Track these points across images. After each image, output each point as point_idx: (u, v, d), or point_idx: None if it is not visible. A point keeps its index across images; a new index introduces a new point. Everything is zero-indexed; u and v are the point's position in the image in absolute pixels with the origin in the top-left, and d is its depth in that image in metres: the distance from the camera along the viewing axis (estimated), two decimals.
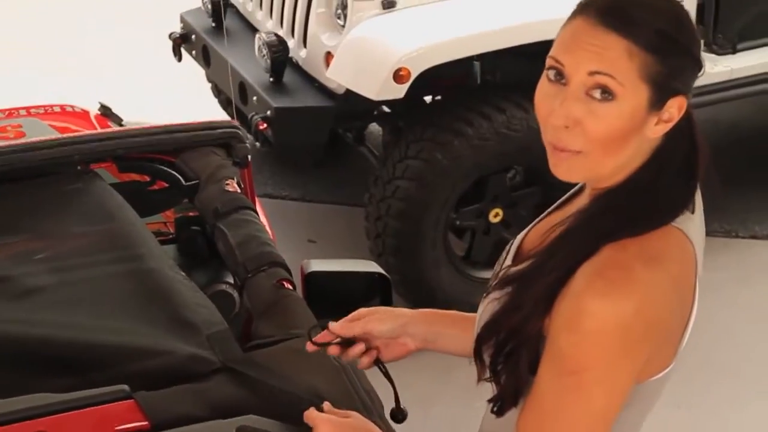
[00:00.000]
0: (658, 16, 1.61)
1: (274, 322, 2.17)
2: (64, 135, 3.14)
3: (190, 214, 2.87)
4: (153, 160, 2.80)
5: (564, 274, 1.59)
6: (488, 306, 1.75)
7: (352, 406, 1.88)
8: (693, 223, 1.66)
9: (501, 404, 1.68)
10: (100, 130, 3.50)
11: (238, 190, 2.62)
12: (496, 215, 4.81)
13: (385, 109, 5.02)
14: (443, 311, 2.13)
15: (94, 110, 4.15)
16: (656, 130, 1.62)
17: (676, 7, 1.65)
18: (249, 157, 2.76)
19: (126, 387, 1.94)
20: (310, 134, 4.77)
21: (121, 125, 3.93)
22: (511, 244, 1.87)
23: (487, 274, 4.89)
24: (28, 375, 2.04)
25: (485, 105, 4.56)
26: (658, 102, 1.60)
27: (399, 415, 1.99)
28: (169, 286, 2.24)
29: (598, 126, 1.59)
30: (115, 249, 2.40)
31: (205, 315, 2.14)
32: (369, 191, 4.75)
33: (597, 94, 1.58)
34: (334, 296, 2.48)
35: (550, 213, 1.85)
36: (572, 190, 1.80)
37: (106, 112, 4.02)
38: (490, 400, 1.71)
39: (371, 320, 1.96)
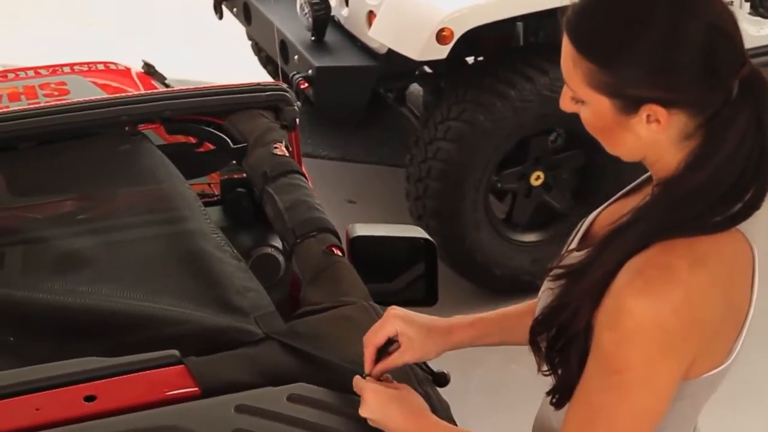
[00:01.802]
0: (610, 22, 1.56)
1: (324, 288, 2.15)
2: (112, 95, 3.13)
3: (235, 176, 2.85)
4: (200, 121, 2.78)
5: (611, 270, 1.57)
6: (543, 295, 1.75)
7: (400, 372, 1.87)
8: (758, 221, 1.62)
9: (559, 397, 1.67)
10: (147, 91, 3.49)
11: (287, 154, 2.60)
12: (537, 178, 4.78)
13: (427, 69, 4.98)
14: (478, 317, 2.06)
15: (135, 68, 4.14)
16: (652, 128, 1.58)
17: (648, 11, 1.55)
18: (297, 120, 2.74)
19: (176, 352, 1.93)
20: (352, 94, 4.75)
21: (164, 84, 3.92)
22: (581, 224, 1.85)
23: (527, 237, 4.96)
24: (73, 340, 2.04)
25: (528, 66, 4.52)
26: (625, 109, 1.57)
27: (442, 379, 1.99)
28: (214, 265, 2.23)
29: (584, 121, 1.64)
30: (160, 212, 2.39)
31: (252, 298, 2.14)
32: (410, 152, 4.73)
33: None
34: (378, 261, 2.48)
35: (622, 196, 1.82)
36: (645, 175, 1.77)
37: (149, 70, 4.00)
38: (548, 393, 1.70)
39: (404, 355, 1.89)
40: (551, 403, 1.70)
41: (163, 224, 2.37)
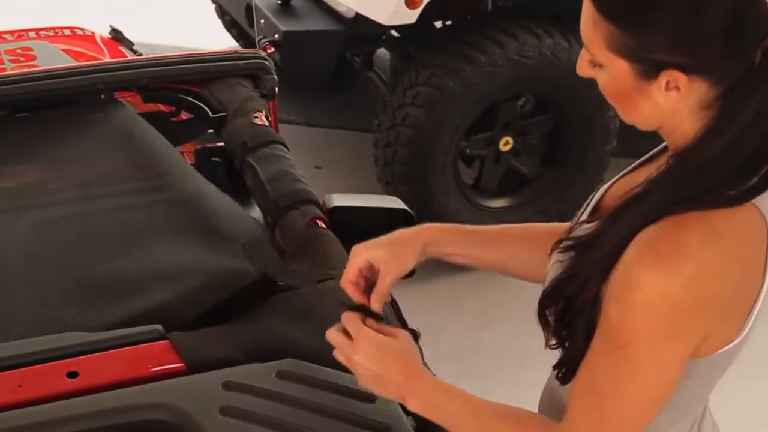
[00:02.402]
0: None
1: (308, 262, 2.12)
2: (87, 63, 3.07)
3: (209, 145, 2.82)
4: (178, 90, 2.74)
5: (621, 243, 1.54)
6: (552, 267, 1.71)
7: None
8: None
9: (565, 371, 1.65)
10: (124, 58, 3.42)
11: (267, 124, 2.57)
12: (506, 143, 4.77)
13: (395, 34, 4.94)
14: (452, 227, 1.96)
15: (101, 33, 4.07)
16: (671, 96, 1.54)
17: None
18: (276, 89, 2.70)
19: (160, 327, 1.90)
20: (318, 59, 4.71)
21: (132, 50, 3.86)
22: (592, 196, 1.81)
23: (495, 203, 4.95)
24: (60, 307, 2.00)
25: (497, 31, 4.49)
26: (644, 74, 1.54)
27: (413, 335, 1.97)
28: (211, 207, 2.18)
29: (601, 87, 1.60)
30: (148, 176, 2.34)
31: (244, 227, 2.09)
32: (378, 118, 4.69)
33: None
34: (356, 231, 2.45)
35: (636, 167, 1.79)
36: (660, 146, 1.74)
37: (117, 36, 3.93)
38: (554, 367, 1.68)
39: (386, 276, 1.81)
40: (557, 377, 1.67)
41: (156, 189, 2.32)
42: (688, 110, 1.56)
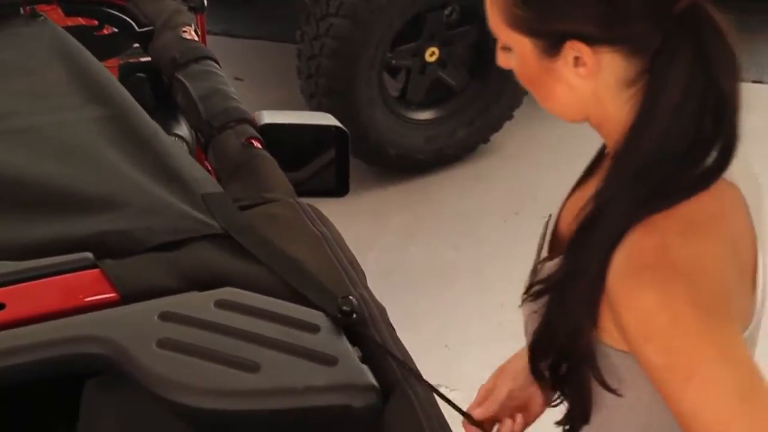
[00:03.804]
0: None
1: (245, 184, 2.02)
2: None
3: (132, 60, 2.70)
4: (101, 2, 2.60)
5: (597, 275, 1.41)
6: (529, 320, 1.59)
7: (335, 276, 1.78)
8: (739, 160, 1.47)
9: (572, 424, 1.57)
10: None
11: (196, 38, 2.45)
12: (432, 54, 4.71)
13: None
14: None
15: None
16: (581, 74, 1.43)
17: None
18: (205, 2, 2.58)
19: (90, 255, 1.80)
20: None
21: None
22: (546, 228, 1.68)
23: (422, 115, 4.90)
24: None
25: None
26: (547, 50, 1.43)
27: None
28: (152, 135, 2.06)
29: (516, 75, 1.51)
30: (80, 93, 2.22)
31: (197, 173, 1.98)
32: (301, 29, 4.60)
33: None
34: (288, 149, 2.37)
35: (580, 182, 1.66)
36: (598, 149, 1.63)
37: None
38: (558, 423, 1.59)
39: (503, 383, 1.77)
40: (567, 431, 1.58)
41: (89, 106, 2.19)
42: (607, 91, 1.44)
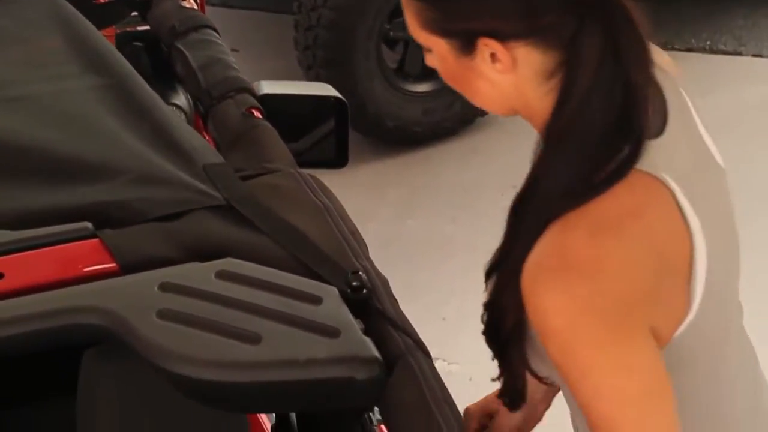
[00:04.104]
0: None
1: (246, 154, 2.00)
2: None
3: (128, 29, 2.68)
4: None
5: (519, 263, 1.40)
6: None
7: (336, 245, 1.76)
8: (660, 145, 1.42)
9: (509, 401, 1.58)
10: None
11: (195, 6, 2.43)
12: None
13: None
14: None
15: None
16: (498, 69, 1.40)
17: None
18: None
19: (89, 224, 1.78)
20: None
21: None
22: None
23: (419, 87, 4.87)
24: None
25: None
26: (462, 48, 1.40)
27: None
28: (152, 104, 2.04)
29: (441, 75, 1.50)
30: (77, 61, 2.19)
31: (197, 143, 1.96)
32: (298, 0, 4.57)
33: None
34: (287, 120, 2.35)
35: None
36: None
37: None
38: (499, 396, 1.60)
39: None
40: (504, 404, 1.60)
41: (88, 75, 2.17)
42: (529, 85, 1.42)
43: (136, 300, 1.63)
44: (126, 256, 1.73)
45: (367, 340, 1.57)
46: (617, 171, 1.36)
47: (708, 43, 5.48)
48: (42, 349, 1.66)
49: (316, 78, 4.54)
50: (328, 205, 1.83)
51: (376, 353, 1.55)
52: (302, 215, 1.80)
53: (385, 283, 1.72)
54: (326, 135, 2.52)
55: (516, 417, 1.89)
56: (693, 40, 5.45)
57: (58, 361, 1.84)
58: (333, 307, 1.63)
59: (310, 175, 1.91)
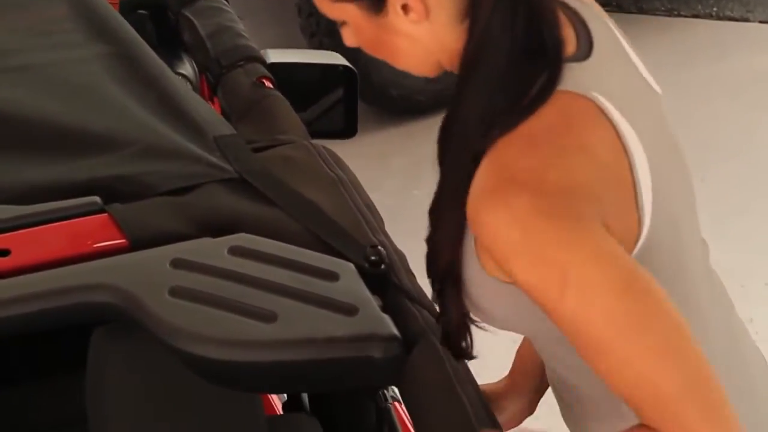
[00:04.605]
0: None
1: (257, 125, 1.95)
2: None
3: None
4: None
5: (453, 198, 1.35)
6: None
7: (352, 218, 1.72)
8: (587, 67, 1.38)
9: (449, 346, 1.48)
10: None
11: None
12: None
13: None
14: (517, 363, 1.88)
15: None
16: (413, 20, 1.37)
17: None
18: None
19: (97, 199, 1.73)
20: None
21: None
22: None
23: None
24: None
25: None
26: (372, 7, 1.37)
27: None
28: (160, 74, 1.99)
29: (362, 46, 1.47)
30: (82, 29, 2.14)
31: (207, 114, 1.90)
32: None
33: None
34: (295, 89, 2.31)
35: None
36: None
37: None
38: (441, 342, 1.50)
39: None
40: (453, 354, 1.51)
41: (95, 42, 2.11)
42: (444, 29, 1.38)
43: (148, 277, 1.59)
44: (136, 231, 1.68)
45: (386, 317, 1.53)
46: (539, 93, 1.33)
47: (715, 9, 5.43)
48: (50, 328, 1.62)
49: (320, 45, 4.48)
50: (343, 177, 1.79)
51: (395, 331, 1.51)
52: (317, 188, 1.75)
53: (402, 258, 1.68)
54: (334, 104, 2.48)
55: (517, 403, 1.83)
56: (699, 7, 5.38)
57: (64, 338, 1.80)
58: (350, 283, 1.58)
59: (324, 147, 1.87)
